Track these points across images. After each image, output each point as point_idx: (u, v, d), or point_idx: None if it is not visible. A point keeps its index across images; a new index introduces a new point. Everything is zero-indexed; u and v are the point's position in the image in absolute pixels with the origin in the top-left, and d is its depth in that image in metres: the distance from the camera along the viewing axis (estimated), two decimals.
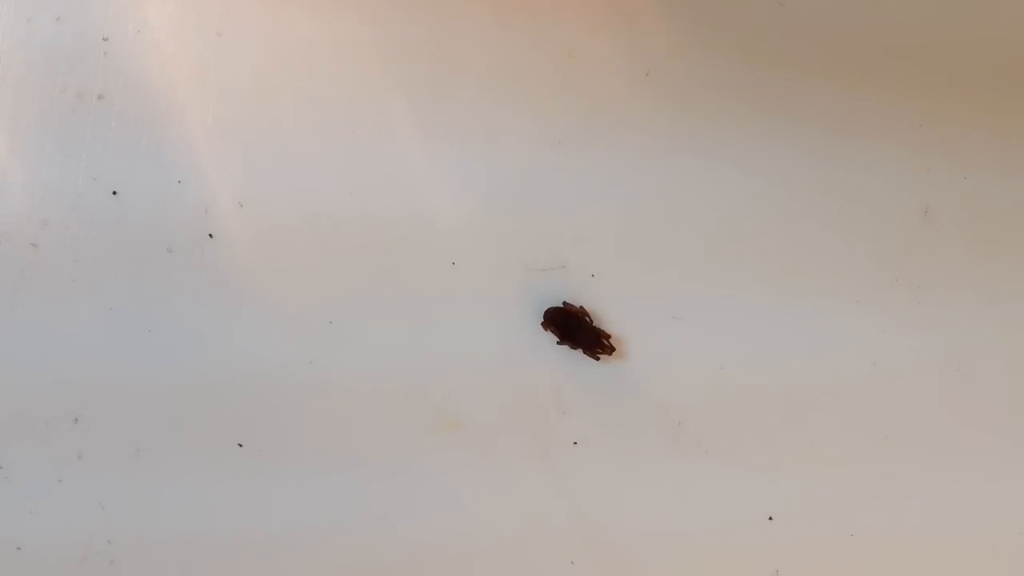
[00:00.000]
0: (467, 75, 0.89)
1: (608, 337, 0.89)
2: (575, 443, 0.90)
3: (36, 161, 0.85)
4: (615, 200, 0.90)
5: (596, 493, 0.90)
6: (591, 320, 0.89)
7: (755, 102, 0.91)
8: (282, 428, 0.87)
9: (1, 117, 0.84)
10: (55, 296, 0.85)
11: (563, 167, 0.90)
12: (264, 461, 0.87)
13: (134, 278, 0.86)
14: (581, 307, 0.89)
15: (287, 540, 0.87)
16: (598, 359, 0.89)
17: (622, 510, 0.90)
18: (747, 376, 0.91)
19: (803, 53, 0.92)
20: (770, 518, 0.92)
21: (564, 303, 0.89)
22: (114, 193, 0.85)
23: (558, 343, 0.89)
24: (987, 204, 0.94)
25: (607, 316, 0.90)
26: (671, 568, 0.91)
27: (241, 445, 0.87)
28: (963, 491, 0.93)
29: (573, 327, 0.89)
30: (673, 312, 0.91)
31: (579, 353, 0.89)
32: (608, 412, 0.90)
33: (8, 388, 0.85)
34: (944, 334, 0.93)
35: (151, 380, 0.86)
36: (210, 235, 0.86)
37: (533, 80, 0.89)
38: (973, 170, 0.94)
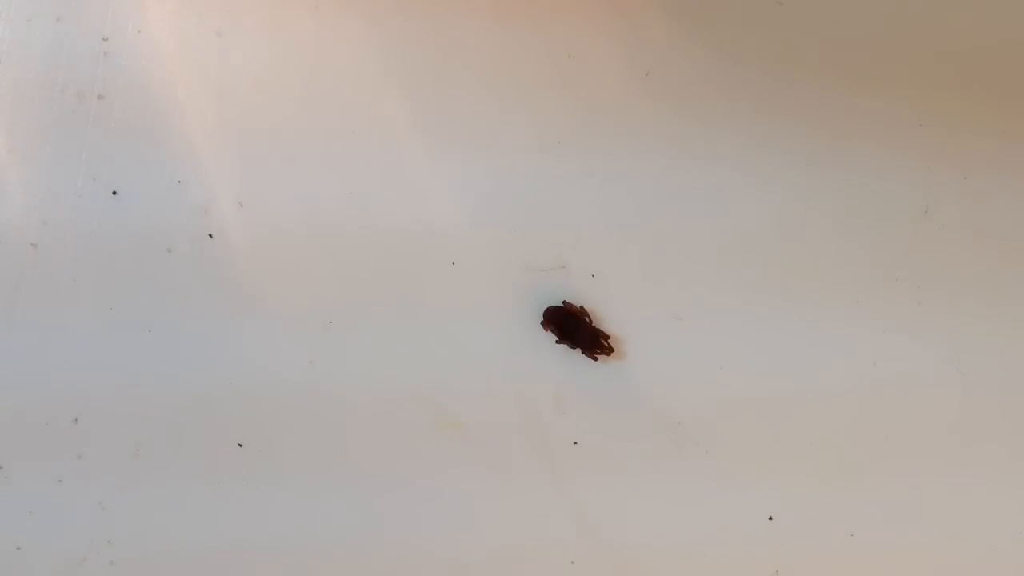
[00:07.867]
0: (467, 75, 0.89)
1: (607, 337, 0.89)
2: (575, 443, 0.90)
3: (36, 161, 0.85)
4: (615, 200, 0.90)
5: (596, 493, 0.90)
6: (591, 320, 0.89)
7: (755, 102, 0.91)
8: (282, 428, 0.87)
9: (1, 117, 0.84)
10: (55, 296, 0.85)
11: (563, 167, 0.90)
12: (264, 460, 0.87)
13: (134, 278, 0.86)
14: (581, 307, 0.89)
15: (286, 539, 0.87)
16: (596, 359, 0.89)
17: (622, 510, 0.90)
18: (747, 376, 0.91)
19: (803, 53, 0.92)
20: (770, 518, 0.92)
21: (564, 303, 0.89)
22: (114, 193, 0.85)
23: (557, 342, 0.89)
24: (987, 204, 0.94)
25: (607, 316, 0.90)
26: (671, 568, 0.91)
27: (241, 445, 0.87)
28: (963, 491, 0.93)
29: (573, 327, 0.89)
30: (673, 312, 0.91)
31: (579, 353, 0.89)
32: (608, 412, 0.90)
33: (8, 388, 0.85)
34: (944, 334, 0.93)
35: (151, 380, 0.86)
36: (210, 235, 0.86)
37: (533, 80, 0.89)
38: (973, 170, 0.93)
